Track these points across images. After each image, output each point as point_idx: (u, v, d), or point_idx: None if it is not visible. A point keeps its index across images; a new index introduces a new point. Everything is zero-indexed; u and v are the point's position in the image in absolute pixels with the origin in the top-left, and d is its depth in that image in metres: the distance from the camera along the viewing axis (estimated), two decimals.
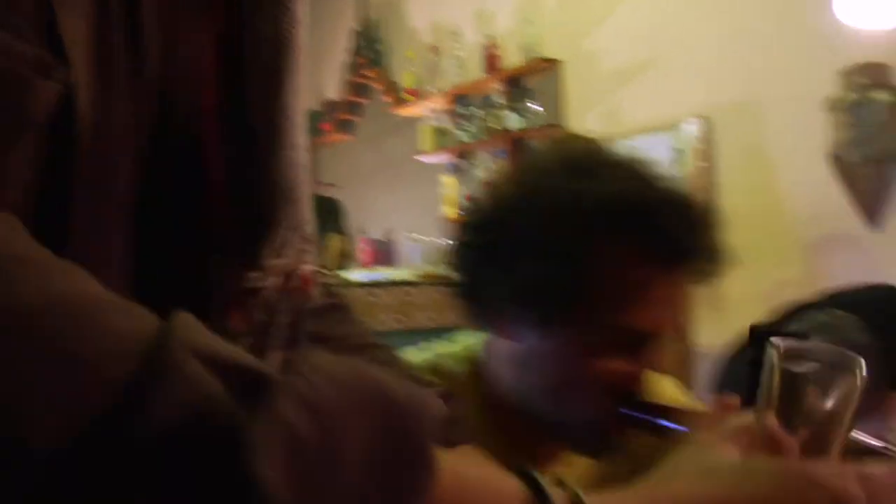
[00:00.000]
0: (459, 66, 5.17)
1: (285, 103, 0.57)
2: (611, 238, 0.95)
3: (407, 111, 5.54)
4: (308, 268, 0.62)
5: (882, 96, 3.27)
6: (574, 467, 1.05)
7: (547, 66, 4.64)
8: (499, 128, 4.77)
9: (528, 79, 4.76)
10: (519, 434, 1.04)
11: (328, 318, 0.77)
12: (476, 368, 1.09)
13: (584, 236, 0.94)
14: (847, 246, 3.35)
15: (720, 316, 3.20)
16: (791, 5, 3.52)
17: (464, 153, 5.13)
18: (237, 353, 0.40)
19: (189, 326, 0.39)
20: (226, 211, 0.54)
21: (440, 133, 5.25)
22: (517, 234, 0.97)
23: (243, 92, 0.55)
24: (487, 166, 4.89)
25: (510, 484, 0.53)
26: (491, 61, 4.91)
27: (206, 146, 0.52)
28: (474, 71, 5.06)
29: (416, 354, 1.13)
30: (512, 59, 4.82)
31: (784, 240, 3.53)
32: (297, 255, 0.60)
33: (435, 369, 1.08)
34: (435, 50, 5.37)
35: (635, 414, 0.95)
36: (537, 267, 0.94)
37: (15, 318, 0.36)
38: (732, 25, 3.76)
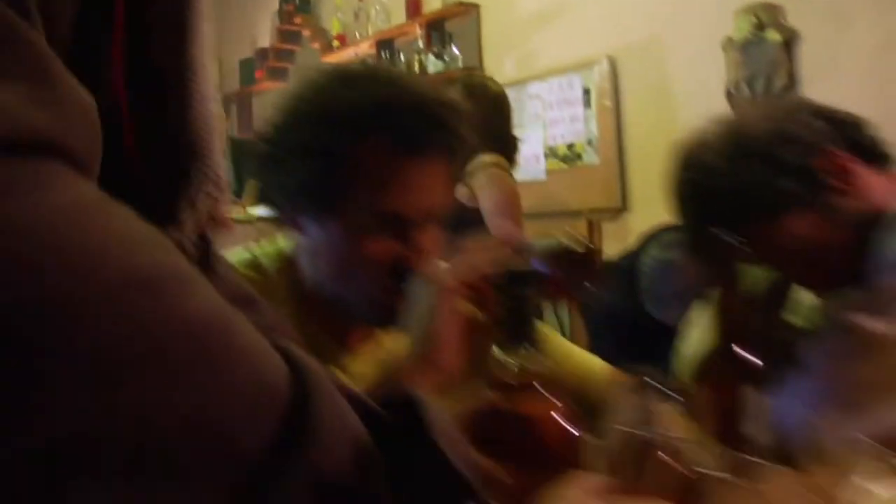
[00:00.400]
0: (384, 11, 5.24)
1: (191, 56, 0.56)
2: (364, 136, 1.09)
3: (335, 57, 5.60)
4: (222, 214, 0.65)
5: (773, 36, 3.42)
6: None
7: (466, 11, 4.73)
8: (420, 72, 4.86)
9: (449, 23, 4.85)
10: (325, 319, 1.18)
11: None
12: (287, 264, 1.22)
13: (343, 136, 1.08)
14: None
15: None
16: None
17: None
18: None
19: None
20: (139, 168, 0.54)
21: None
22: (291, 139, 1.12)
23: (149, 48, 0.54)
24: None
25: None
26: (413, 6, 4.99)
27: (116, 103, 0.52)
28: (398, 16, 5.13)
29: (236, 254, 1.25)
30: (433, 4, 4.90)
31: None
32: (211, 204, 0.61)
33: (254, 266, 1.22)
34: None
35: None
36: (308, 166, 1.09)
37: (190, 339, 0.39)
38: None
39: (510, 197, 3.24)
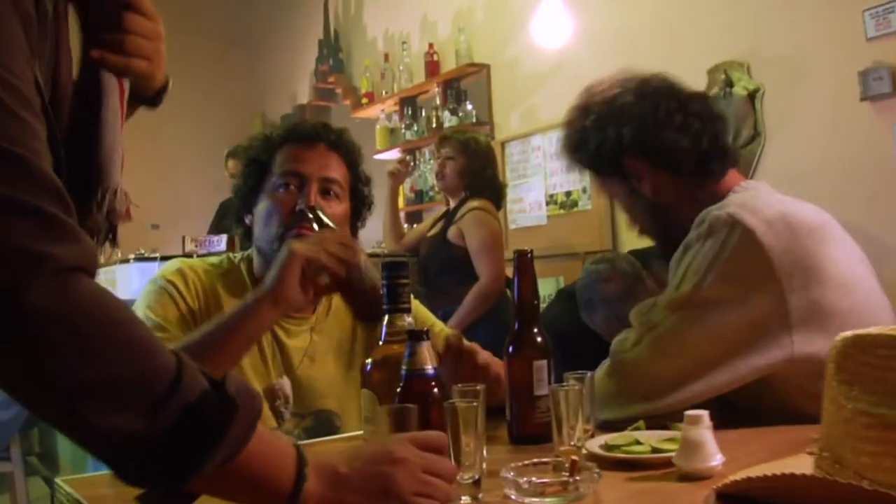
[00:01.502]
0: (407, 72, 5.70)
1: (103, 117, 0.97)
2: (278, 148, 1.75)
3: (364, 113, 6.08)
4: (119, 211, 1.06)
5: (740, 90, 3.76)
6: None
7: (478, 70, 5.17)
8: (437, 126, 5.28)
9: (463, 82, 5.28)
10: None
11: None
12: (248, 259, 1.79)
13: (266, 150, 1.76)
14: None
15: None
16: (664, 19, 4.02)
17: (410, 149, 5.65)
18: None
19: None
20: (68, 184, 0.86)
21: (391, 133, 5.77)
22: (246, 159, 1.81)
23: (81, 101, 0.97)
24: (430, 159, 5.41)
25: (285, 441, 0.95)
26: (432, 67, 5.44)
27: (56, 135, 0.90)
28: (419, 76, 5.59)
29: (218, 257, 1.79)
30: (449, 64, 5.35)
31: None
32: (111, 205, 1.01)
33: (228, 260, 1.78)
34: (386, 57, 5.92)
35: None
36: (245, 174, 1.79)
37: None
38: (620, 34, 4.27)
39: (493, 237, 3.63)
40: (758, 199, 1.48)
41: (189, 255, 3.41)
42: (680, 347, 1.39)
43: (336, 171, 1.73)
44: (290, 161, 1.71)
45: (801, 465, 0.93)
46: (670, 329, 1.41)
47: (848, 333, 0.93)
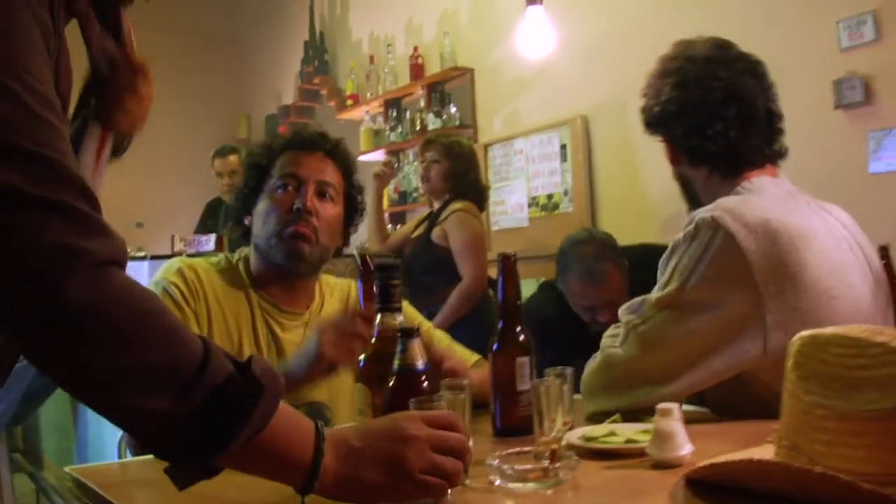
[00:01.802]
0: (392, 74, 5.77)
1: (83, 146, 1.05)
2: (279, 154, 1.90)
3: (348, 114, 6.14)
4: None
5: None
6: None
7: (462, 74, 5.25)
8: (421, 128, 5.36)
9: (447, 85, 5.36)
10: (266, 289, 1.86)
11: None
12: (245, 258, 1.90)
13: (268, 155, 1.90)
14: None
15: None
16: (643, 29, 4.11)
17: (394, 151, 5.72)
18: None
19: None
20: None
21: (375, 134, 5.84)
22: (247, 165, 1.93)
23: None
24: (412, 161, 5.48)
25: (304, 418, 1.02)
26: (416, 70, 5.51)
27: None
28: (404, 78, 5.66)
29: (218, 256, 1.90)
30: (433, 67, 5.42)
31: (645, 218, 4.10)
32: None
33: (227, 260, 1.88)
34: (371, 59, 5.98)
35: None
36: (246, 176, 1.93)
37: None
38: (601, 43, 4.37)
39: (476, 239, 3.71)
40: (748, 202, 1.52)
41: (178, 255, 3.47)
42: (664, 345, 1.47)
43: (332, 175, 1.86)
44: (289, 165, 1.85)
45: (763, 452, 1.02)
46: (656, 327, 1.48)
47: (805, 333, 1.01)
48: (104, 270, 0.83)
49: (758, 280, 1.41)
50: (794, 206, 1.56)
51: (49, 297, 0.78)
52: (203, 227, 5.36)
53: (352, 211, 1.93)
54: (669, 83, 1.66)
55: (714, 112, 1.62)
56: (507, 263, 1.48)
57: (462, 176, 3.86)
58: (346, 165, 1.91)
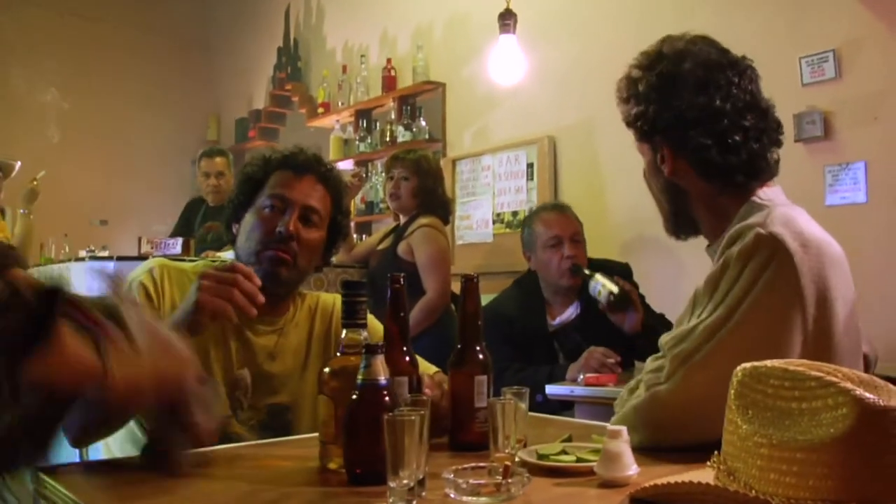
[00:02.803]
0: (364, 84, 5.82)
1: None
2: (273, 171, 1.94)
3: (318, 122, 6.18)
4: None
5: None
6: None
7: (433, 88, 5.31)
8: (390, 140, 5.41)
9: (419, 98, 5.42)
10: None
11: None
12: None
13: (262, 170, 1.95)
14: (656, 247, 4.01)
15: None
16: (612, 57, 4.19)
17: (363, 162, 5.76)
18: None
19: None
20: None
21: (345, 143, 5.88)
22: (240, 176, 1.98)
23: None
24: (381, 172, 5.53)
25: None
26: (389, 82, 5.57)
27: None
28: (376, 90, 5.71)
29: (198, 261, 1.90)
30: (406, 80, 5.48)
31: (608, 239, 4.16)
32: None
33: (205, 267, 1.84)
34: (344, 69, 6.03)
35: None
36: (239, 188, 1.98)
37: None
38: (571, 68, 4.45)
39: (441, 254, 3.77)
40: (798, 219, 1.47)
41: (144, 257, 3.49)
42: (714, 377, 1.31)
43: (319, 200, 1.91)
44: (279, 185, 1.90)
45: (703, 475, 1.08)
46: (705, 360, 1.40)
47: (747, 365, 1.08)
48: None
49: (807, 303, 1.39)
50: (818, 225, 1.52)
51: None
52: (183, 227, 5.31)
53: (335, 234, 1.98)
54: (683, 87, 1.55)
55: (735, 121, 1.54)
56: (470, 285, 1.53)
57: (430, 192, 3.92)
58: (336, 191, 1.96)
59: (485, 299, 3.50)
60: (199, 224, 5.06)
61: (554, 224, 3.30)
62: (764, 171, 1.58)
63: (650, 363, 1.51)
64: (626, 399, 1.52)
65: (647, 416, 1.45)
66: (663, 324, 2.95)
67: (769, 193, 1.58)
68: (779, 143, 1.61)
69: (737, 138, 1.53)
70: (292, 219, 1.85)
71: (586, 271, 3.05)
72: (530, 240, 3.36)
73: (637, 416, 1.46)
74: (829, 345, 1.41)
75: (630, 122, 1.65)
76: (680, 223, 1.68)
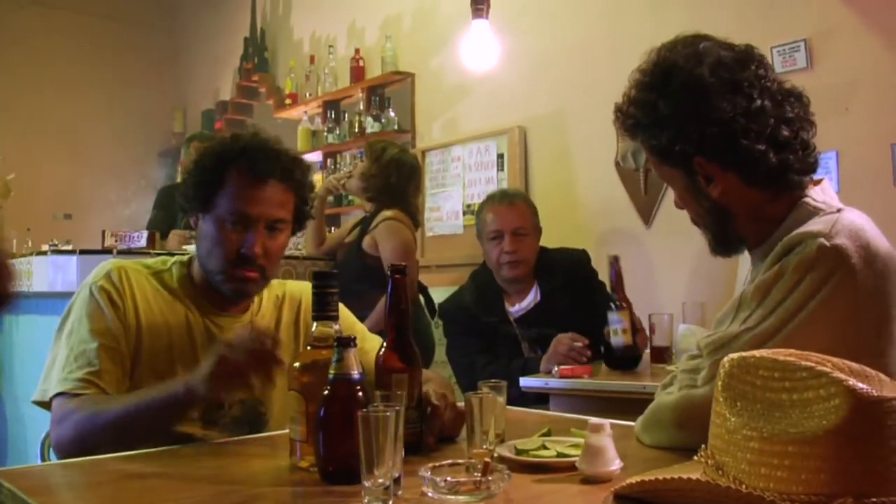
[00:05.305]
0: (332, 75, 5.75)
1: None
2: (229, 165, 1.73)
3: (286, 113, 6.09)
4: None
5: None
6: None
7: (402, 79, 5.25)
8: (359, 131, 5.34)
9: (387, 89, 5.36)
10: (206, 291, 1.81)
11: None
12: (187, 263, 1.86)
13: (217, 163, 1.74)
14: (627, 236, 4.00)
15: None
16: (585, 45, 4.17)
17: (332, 153, 5.69)
18: None
19: None
20: None
21: (313, 135, 5.81)
22: (193, 166, 1.80)
23: None
24: (350, 164, 5.46)
25: None
26: (357, 72, 5.50)
27: None
28: (344, 80, 5.64)
29: (155, 259, 1.86)
30: (374, 70, 5.42)
31: (579, 230, 4.14)
32: None
33: (161, 262, 1.84)
34: (312, 60, 5.95)
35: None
36: (193, 182, 1.76)
37: None
38: (542, 56, 4.42)
39: (405, 246, 3.71)
40: (866, 230, 1.36)
41: (109, 251, 3.40)
42: None
43: (283, 208, 1.79)
44: (239, 199, 1.73)
45: (690, 470, 1.04)
46: None
47: (735, 355, 1.04)
48: None
49: (860, 319, 1.30)
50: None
51: None
52: (161, 217, 5.17)
53: (300, 220, 1.88)
54: (715, 95, 1.38)
55: (780, 115, 1.40)
56: (396, 279, 1.47)
57: (377, 178, 3.84)
58: (300, 186, 1.82)
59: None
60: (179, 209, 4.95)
61: (497, 217, 3.28)
62: (815, 162, 1.45)
63: (686, 362, 1.44)
64: (659, 393, 1.48)
65: (680, 417, 1.38)
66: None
67: (821, 195, 1.45)
68: (814, 125, 1.47)
69: (786, 133, 1.40)
70: (257, 240, 1.73)
71: (618, 302, 2.82)
72: (478, 229, 3.39)
73: (669, 415, 1.40)
74: (883, 363, 1.28)
75: (663, 150, 1.45)
76: (730, 243, 1.53)
